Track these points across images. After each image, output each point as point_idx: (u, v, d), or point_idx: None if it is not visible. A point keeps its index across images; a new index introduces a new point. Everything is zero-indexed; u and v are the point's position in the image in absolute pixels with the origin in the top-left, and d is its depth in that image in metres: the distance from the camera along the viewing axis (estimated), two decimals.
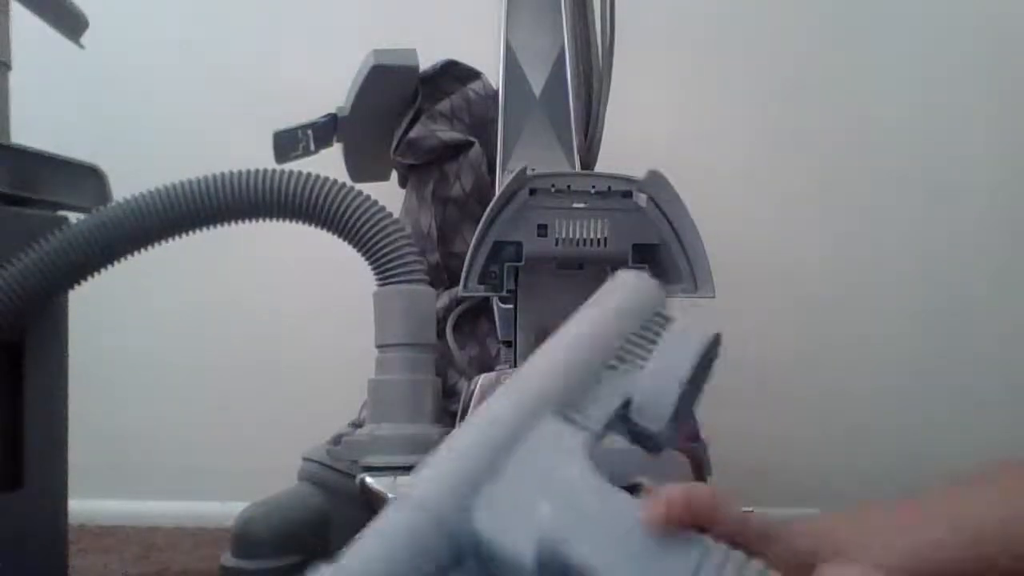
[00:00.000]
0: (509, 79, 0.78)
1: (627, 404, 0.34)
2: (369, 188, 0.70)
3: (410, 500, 0.31)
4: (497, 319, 0.75)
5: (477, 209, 0.84)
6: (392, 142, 0.87)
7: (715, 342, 0.35)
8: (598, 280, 0.66)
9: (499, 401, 0.34)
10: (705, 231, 0.63)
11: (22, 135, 0.74)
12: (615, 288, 0.39)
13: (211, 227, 0.67)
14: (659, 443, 0.35)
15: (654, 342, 0.35)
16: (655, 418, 0.34)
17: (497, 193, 0.63)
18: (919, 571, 0.33)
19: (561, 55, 0.79)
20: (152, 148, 1.21)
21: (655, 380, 0.34)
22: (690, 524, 0.30)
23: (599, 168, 0.85)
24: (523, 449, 0.32)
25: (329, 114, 0.88)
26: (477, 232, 0.62)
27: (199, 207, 0.65)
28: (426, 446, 0.63)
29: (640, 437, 0.35)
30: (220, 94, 1.26)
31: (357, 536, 0.31)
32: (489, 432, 0.32)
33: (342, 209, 0.65)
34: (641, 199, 0.64)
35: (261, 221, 0.68)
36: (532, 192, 0.63)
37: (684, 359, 0.34)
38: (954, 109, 1.27)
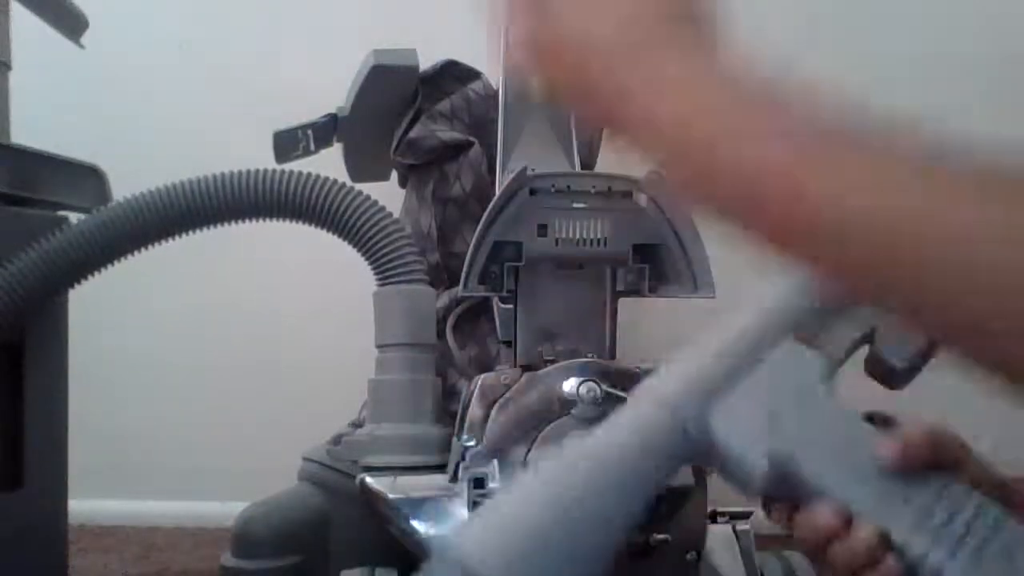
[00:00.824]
0: (509, 79, 0.78)
1: (871, 335, 0.34)
2: (369, 188, 0.70)
3: (651, 396, 0.32)
4: (497, 319, 0.75)
5: (477, 209, 0.84)
6: (392, 142, 0.87)
7: None
8: (598, 280, 0.66)
9: (742, 315, 0.34)
10: (705, 231, 0.63)
11: (22, 135, 0.74)
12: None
13: (211, 227, 0.67)
14: (902, 377, 0.34)
15: None
16: (901, 352, 0.34)
17: (497, 193, 0.63)
18: None
19: None
20: (152, 148, 1.21)
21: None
22: (930, 464, 0.29)
23: (599, 168, 0.85)
24: (764, 365, 0.32)
25: (329, 114, 0.88)
26: (477, 232, 0.62)
27: (199, 207, 0.65)
28: (426, 446, 0.63)
29: (881, 370, 0.35)
30: (220, 94, 1.26)
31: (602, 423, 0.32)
32: (731, 343, 0.33)
33: (342, 209, 0.65)
34: (641, 199, 0.64)
35: (261, 221, 0.68)
36: (532, 192, 0.63)
37: None
38: (953, 109, 1.27)
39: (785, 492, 0.31)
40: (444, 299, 0.84)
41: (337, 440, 0.77)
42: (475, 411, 0.58)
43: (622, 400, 0.57)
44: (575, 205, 0.63)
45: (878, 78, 1.27)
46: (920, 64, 1.28)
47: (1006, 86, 1.27)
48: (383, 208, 0.67)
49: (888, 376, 0.35)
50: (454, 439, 0.59)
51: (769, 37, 1.29)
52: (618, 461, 0.31)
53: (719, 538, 0.67)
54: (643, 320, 0.90)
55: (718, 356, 0.33)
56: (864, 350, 0.36)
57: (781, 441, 0.30)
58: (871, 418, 0.34)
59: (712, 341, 0.34)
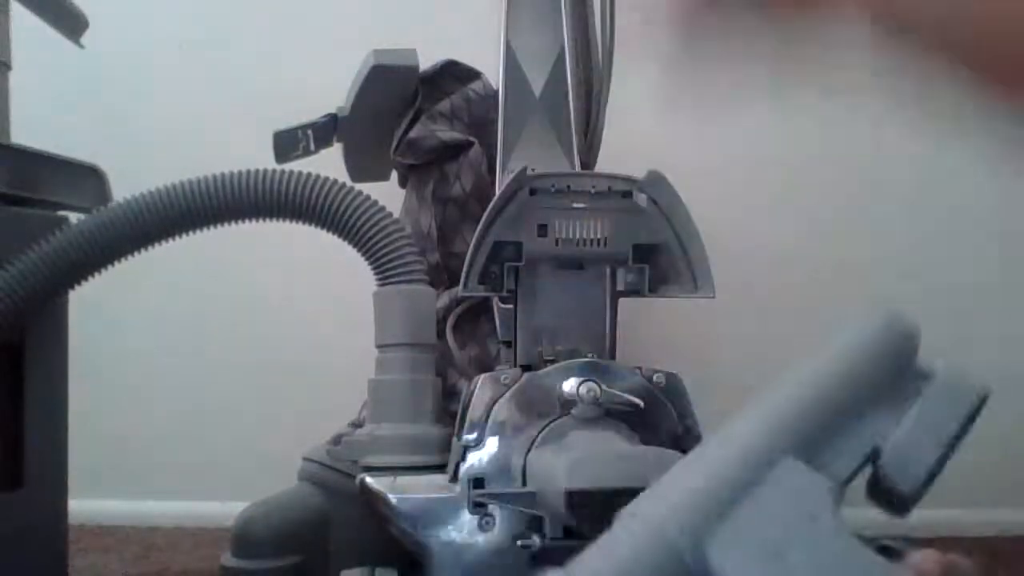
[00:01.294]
0: (509, 79, 0.78)
1: (875, 457, 0.32)
2: (369, 188, 0.70)
3: (646, 524, 0.30)
4: (497, 319, 0.75)
5: (477, 209, 0.84)
6: (392, 142, 0.87)
7: (982, 402, 0.32)
8: (598, 280, 0.66)
9: (736, 432, 0.32)
10: (705, 231, 0.63)
11: (22, 135, 0.74)
12: (865, 327, 0.35)
13: (211, 227, 0.67)
14: (906, 505, 0.32)
15: (910, 395, 0.32)
16: (908, 478, 0.31)
17: (497, 193, 0.63)
18: None
19: (561, 55, 0.79)
20: (152, 148, 1.21)
21: (913, 436, 0.31)
22: None
23: (599, 168, 0.85)
24: (763, 490, 0.30)
25: (329, 114, 0.88)
26: (477, 232, 0.62)
27: (199, 207, 0.65)
28: (426, 446, 0.63)
29: (884, 495, 0.32)
30: (220, 94, 1.26)
31: (586, 549, 0.29)
32: (725, 466, 0.31)
33: (342, 209, 0.65)
34: (641, 199, 0.64)
35: (261, 221, 0.68)
36: (532, 192, 0.63)
37: (950, 418, 0.31)
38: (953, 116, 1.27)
39: None
40: (444, 299, 0.84)
41: (337, 440, 0.77)
42: (475, 411, 0.58)
43: (622, 400, 0.57)
44: (575, 205, 0.63)
45: None
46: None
47: None
48: (383, 208, 0.67)
49: (892, 502, 0.33)
50: (454, 439, 0.59)
51: None
52: None
53: None
54: (643, 320, 0.90)
55: (714, 476, 0.31)
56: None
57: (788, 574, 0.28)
58: (884, 548, 0.31)
59: (707, 456, 0.32)
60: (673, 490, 0.31)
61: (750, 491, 0.30)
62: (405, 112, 0.87)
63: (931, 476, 0.31)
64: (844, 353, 0.34)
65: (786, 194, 1.26)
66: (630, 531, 0.30)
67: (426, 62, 0.88)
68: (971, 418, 0.32)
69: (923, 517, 1.24)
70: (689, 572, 0.29)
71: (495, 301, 0.74)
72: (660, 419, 0.60)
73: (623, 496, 0.46)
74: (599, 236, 0.64)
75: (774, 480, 0.30)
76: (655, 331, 1.03)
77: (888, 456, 0.32)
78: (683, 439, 0.60)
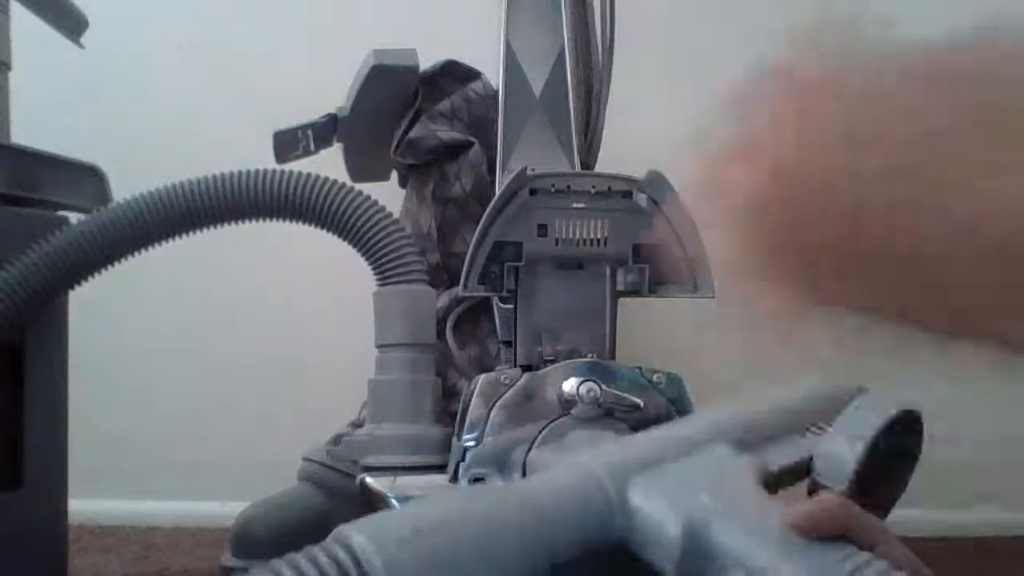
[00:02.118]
0: (509, 79, 0.78)
1: (810, 464, 0.35)
2: (369, 188, 0.70)
3: (579, 464, 0.34)
4: (497, 319, 0.75)
5: (477, 209, 0.84)
6: (392, 142, 0.87)
7: (912, 414, 0.35)
8: (598, 280, 0.66)
9: (683, 423, 0.37)
10: (705, 231, 0.63)
11: (22, 135, 0.74)
12: (813, 384, 0.40)
13: (211, 227, 0.67)
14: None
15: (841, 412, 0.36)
16: (836, 477, 0.34)
17: (497, 193, 0.63)
18: None
19: (561, 55, 0.79)
20: (152, 148, 1.21)
21: (836, 439, 0.35)
22: (831, 533, 0.30)
23: (599, 168, 0.85)
24: (693, 456, 0.34)
25: (329, 114, 0.88)
26: (477, 232, 0.62)
27: (199, 207, 0.65)
28: (426, 446, 0.63)
29: (817, 487, 0.35)
30: (220, 94, 1.26)
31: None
32: (662, 436, 0.35)
33: (342, 209, 0.65)
34: (641, 199, 0.64)
35: (261, 221, 0.68)
36: (532, 192, 0.63)
37: (868, 420, 0.34)
38: None
39: (698, 561, 0.31)
40: (444, 299, 0.84)
41: (337, 440, 0.77)
42: (475, 411, 0.58)
43: (622, 400, 0.57)
44: (575, 205, 0.63)
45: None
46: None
47: None
48: (383, 208, 0.67)
49: None
50: (454, 439, 0.59)
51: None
52: (531, 510, 0.31)
53: None
54: (643, 320, 0.90)
55: (650, 442, 0.35)
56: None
57: (698, 511, 0.31)
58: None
59: (652, 433, 0.36)
60: (613, 446, 0.36)
61: (679, 458, 0.34)
62: (405, 112, 0.87)
63: (859, 476, 0.34)
64: (790, 393, 0.40)
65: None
66: (567, 466, 0.34)
67: (426, 62, 0.88)
68: (903, 423, 0.35)
69: (924, 517, 1.24)
70: (612, 504, 0.32)
71: (495, 301, 0.74)
72: (660, 419, 0.60)
73: None
74: (599, 236, 0.64)
75: (705, 451, 0.34)
76: (655, 331, 1.03)
77: (818, 461, 0.35)
78: None
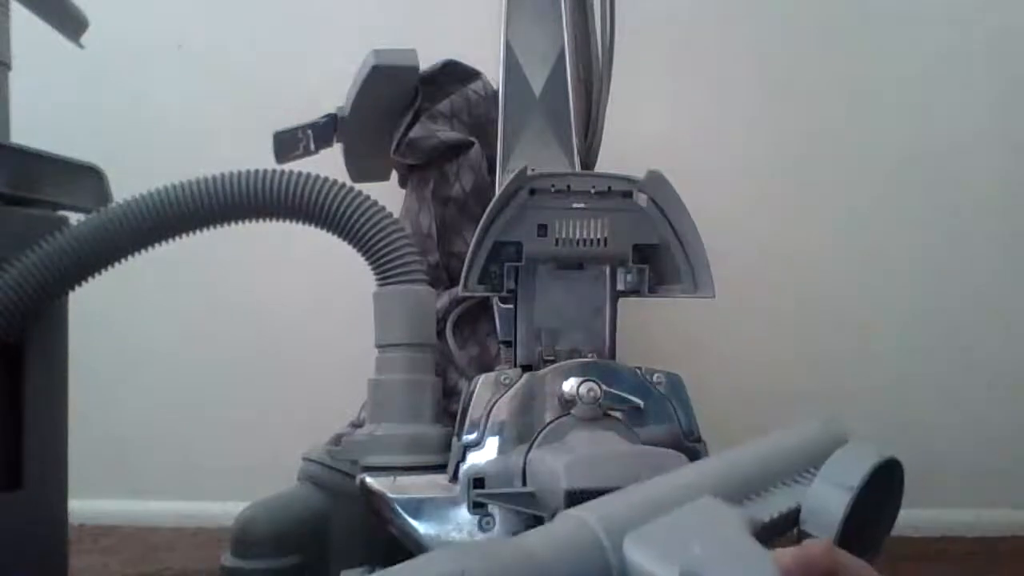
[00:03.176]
0: (509, 79, 0.78)
1: (797, 513, 0.36)
2: (369, 188, 0.70)
3: (575, 518, 0.35)
4: (497, 319, 0.75)
5: (477, 209, 0.84)
6: (392, 142, 0.87)
7: (893, 462, 0.37)
8: (598, 280, 0.66)
9: (668, 475, 0.38)
10: (704, 231, 0.63)
11: (22, 135, 0.74)
12: (802, 426, 0.41)
13: (211, 228, 0.67)
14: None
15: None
16: (823, 526, 0.35)
17: (497, 193, 0.63)
18: None
19: (561, 55, 0.79)
20: (152, 148, 1.21)
21: (822, 488, 0.36)
22: None
23: (599, 168, 0.85)
24: (685, 508, 0.35)
25: (329, 114, 0.88)
26: (477, 232, 0.62)
27: (199, 207, 0.65)
28: (426, 446, 0.63)
29: (804, 535, 0.36)
30: (220, 94, 1.26)
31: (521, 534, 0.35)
32: (655, 489, 0.36)
33: (342, 209, 0.65)
34: (641, 199, 0.64)
35: (261, 221, 0.68)
36: (532, 192, 0.63)
37: (852, 469, 0.35)
38: (953, 108, 1.27)
39: None
40: (444, 299, 0.84)
41: (337, 440, 0.77)
42: (475, 411, 0.58)
43: (622, 400, 0.57)
44: (575, 205, 0.63)
45: (875, 77, 1.28)
46: (919, 61, 1.28)
47: (1006, 86, 1.27)
48: (383, 208, 0.67)
49: None
50: (454, 439, 0.59)
51: (773, 37, 1.29)
52: (531, 566, 0.33)
53: None
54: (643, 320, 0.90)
55: (644, 496, 0.36)
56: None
57: (690, 561, 0.32)
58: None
59: (645, 486, 0.37)
60: (607, 502, 0.36)
61: (672, 511, 0.35)
62: (405, 112, 0.87)
63: (846, 525, 0.35)
64: (781, 439, 0.40)
65: (787, 190, 1.26)
66: (564, 519, 0.35)
67: (426, 62, 0.88)
68: (885, 473, 0.36)
69: (925, 517, 1.24)
70: (608, 557, 0.34)
71: (495, 301, 0.74)
72: (660, 419, 0.60)
73: None
74: (599, 236, 0.64)
75: (693, 504, 0.35)
76: (655, 331, 1.03)
77: (805, 510, 0.36)
78: (683, 439, 0.60)
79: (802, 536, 0.36)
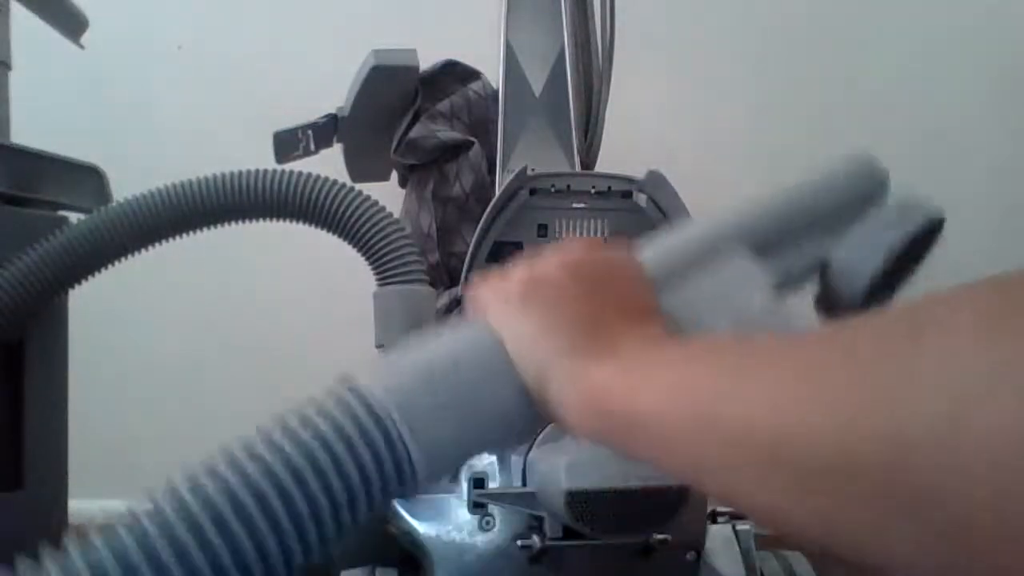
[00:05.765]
0: (509, 79, 0.78)
1: (826, 265, 0.34)
2: (369, 188, 0.70)
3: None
4: None
5: (477, 209, 0.84)
6: (392, 142, 0.87)
7: (932, 224, 0.34)
8: None
9: (700, 222, 0.35)
10: None
11: (22, 135, 0.74)
12: (834, 166, 0.38)
13: (211, 227, 0.67)
14: (849, 307, 0.34)
15: (866, 213, 0.34)
16: (850, 284, 0.33)
17: (497, 193, 0.63)
18: None
19: (561, 55, 0.79)
20: (152, 148, 1.21)
21: (854, 248, 0.33)
22: None
23: (599, 168, 0.85)
24: (711, 270, 0.33)
25: (329, 114, 0.88)
26: (477, 232, 0.62)
27: (199, 207, 0.65)
28: None
29: (829, 302, 0.34)
30: (220, 94, 1.26)
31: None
32: (682, 244, 0.34)
33: (342, 209, 0.65)
34: (641, 199, 0.64)
35: (261, 221, 0.68)
36: (532, 192, 0.63)
37: (892, 234, 0.33)
38: (953, 108, 1.27)
39: None
40: (444, 299, 0.84)
41: None
42: None
43: None
44: (575, 205, 0.64)
45: (875, 78, 1.28)
46: (919, 62, 1.28)
47: (1006, 85, 1.27)
48: (383, 208, 0.67)
49: (836, 306, 0.35)
50: None
51: (773, 38, 1.29)
52: None
53: (719, 538, 0.67)
54: None
55: (670, 251, 0.34)
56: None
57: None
58: None
59: (668, 238, 0.35)
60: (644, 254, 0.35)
61: (702, 264, 0.33)
62: (405, 112, 0.87)
63: (874, 287, 0.33)
64: (810, 183, 0.37)
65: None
66: None
67: (426, 62, 0.88)
68: (918, 237, 0.33)
69: None
70: None
71: None
72: None
73: (622, 496, 0.47)
74: (599, 236, 0.64)
75: (725, 264, 0.34)
76: None
77: (837, 263, 0.33)
78: None
79: (826, 293, 0.34)
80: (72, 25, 0.81)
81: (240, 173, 0.66)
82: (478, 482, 0.57)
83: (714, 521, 0.67)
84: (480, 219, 0.63)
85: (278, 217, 0.68)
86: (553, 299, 0.31)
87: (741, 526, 0.68)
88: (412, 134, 0.85)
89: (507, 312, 0.31)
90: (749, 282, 0.33)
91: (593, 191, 0.64)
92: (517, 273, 0.32)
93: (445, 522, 0.57)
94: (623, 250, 0.34)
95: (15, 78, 0.76)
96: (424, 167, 0.88)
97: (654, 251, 0.35)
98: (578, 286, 0.31)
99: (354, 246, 0.67)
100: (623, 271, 0.33)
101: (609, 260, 0.33)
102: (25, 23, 0.78)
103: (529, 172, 0.63)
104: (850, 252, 0.33)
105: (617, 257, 0.34)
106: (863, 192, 0.36)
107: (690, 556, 0.61)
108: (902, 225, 0.33)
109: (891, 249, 0.33)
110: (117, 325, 1.20)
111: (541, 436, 0.57)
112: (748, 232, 0.34)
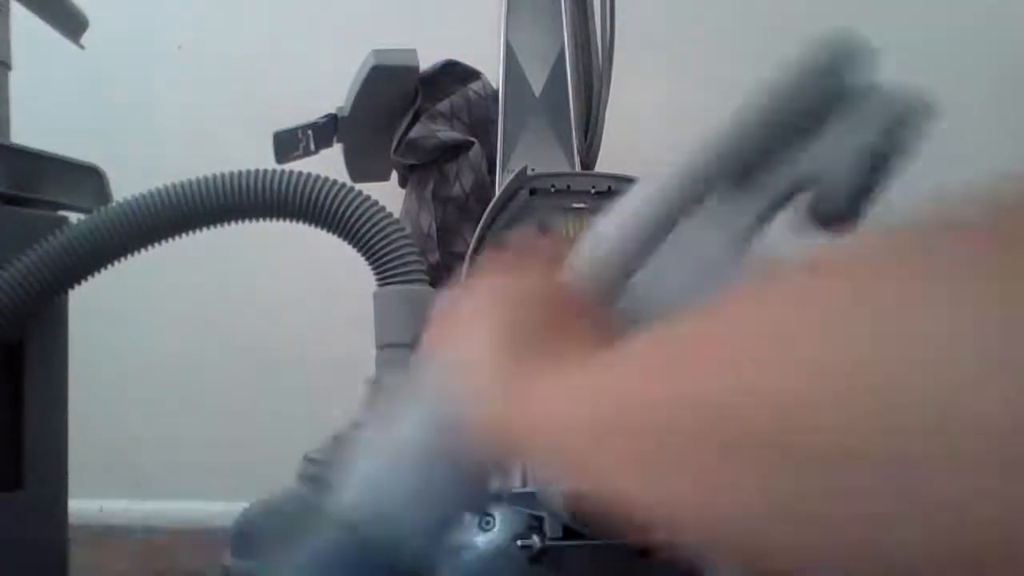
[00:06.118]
0: (509, 79, 0.78)
1: (805, 177, 0.31)
2: (369, 188, 0.70)
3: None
4: None
5: (477, 209, 0.84)
6: (392, 142, 0.87)
7: (922, 108, 0.30)
8: None
9: (672, 174, 0.35)
10: None
11: (22, 135, 0.74)
12: (797, 62, 0.34)
13: (211, 227, 0.67)
14: (841, 219, 0.31)
15: (846, 116, 0.30)
16: (834, 200, 0.30)
17: (497, 193, 0.63)
18: None
19: (561, 55, 0.79)
20: (152, 148, 1.21)
21: (837, 153, 0.30)
22: None
23: (599, 168, 0.85)
24: (673, 240, 0.33)
25: (329, 114, 0.88)
26: (477, 232, 0.62)
27: (199, 207, 0.65)
28: None
29: (818, 213, 0.31)
30: (220, 94, 1.26)
31: None
32: (632, 228, 0.34)
33: (342, 209, 0.65)
34: None
35: (261, 221, 0.68)
36: (532, 192, 0.63)
37: (873, 132, 0.30)
38: (953, 108, 1.27)
39: None
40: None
41: (337, 440, 0.76)
42: None
43: None
44: (575, 205, 0.63)
45: None
46: (919, 62, 1.28)
47: (1007, 87, 1.27)
48: (383, 208, 0.67)
49: (827, 219, 0.32)
50: None
51: (773, 38, 1.29)
52: None
53: None
54: None
55: (618, 241, 0.33)
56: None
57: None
58: None
59: (632, 199, 0.35)
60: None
61: (676, 228, 0.33)
62: (405, 112, 0.87)
63: (860, 189, 0.30)
64: (773, 91, 0.33)
65: None
66: None
67: (426, 62, 0.88)
68: (901, 131, 0.30)
69: None
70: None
71: None
72: None
73: None
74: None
75: (682, 234, 0.33)
76: None
77: (815, 172, 0.31)
78: None
79: (813, 202, 0.31)
80: (72, 25, 0.81)
81: (240, 173, 0.66)
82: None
83: None
84: (480, 219, 0.63)
85: (278, 217, 0.68)
86: (468, 340, 0.31)
87: None
88: (412, 134, 0.85)
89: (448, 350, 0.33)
90: (706, 246, 0.32)
91: (593, 191, 0.64)
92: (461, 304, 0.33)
93: None
94: (544, 271, 0.34)
95: (15, 78, 0.76)
96: (424, 167, 0.88)
97: (600, 245, 0.34)
98: (489, 330, 0.31)
99: (354, 246, 0.67)
100: (548, 298, 0.33)
101: (525, 296, 0.32)
102: (25, 23, 0.78)
103: (529, 172, 0.63)
104: (827, 161, 0.30)
105: (534, 287, 0.33)
106: (832, 90, 0.32)
107: (690, 556, 0.61)
108: (885, 120, 0.30)
109: (876, 150, 0.30)
110: (117, 325, 1.20)
111: None
112: (705, 178, 0.34)
